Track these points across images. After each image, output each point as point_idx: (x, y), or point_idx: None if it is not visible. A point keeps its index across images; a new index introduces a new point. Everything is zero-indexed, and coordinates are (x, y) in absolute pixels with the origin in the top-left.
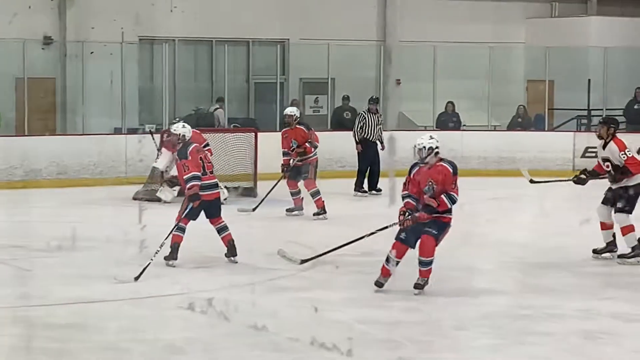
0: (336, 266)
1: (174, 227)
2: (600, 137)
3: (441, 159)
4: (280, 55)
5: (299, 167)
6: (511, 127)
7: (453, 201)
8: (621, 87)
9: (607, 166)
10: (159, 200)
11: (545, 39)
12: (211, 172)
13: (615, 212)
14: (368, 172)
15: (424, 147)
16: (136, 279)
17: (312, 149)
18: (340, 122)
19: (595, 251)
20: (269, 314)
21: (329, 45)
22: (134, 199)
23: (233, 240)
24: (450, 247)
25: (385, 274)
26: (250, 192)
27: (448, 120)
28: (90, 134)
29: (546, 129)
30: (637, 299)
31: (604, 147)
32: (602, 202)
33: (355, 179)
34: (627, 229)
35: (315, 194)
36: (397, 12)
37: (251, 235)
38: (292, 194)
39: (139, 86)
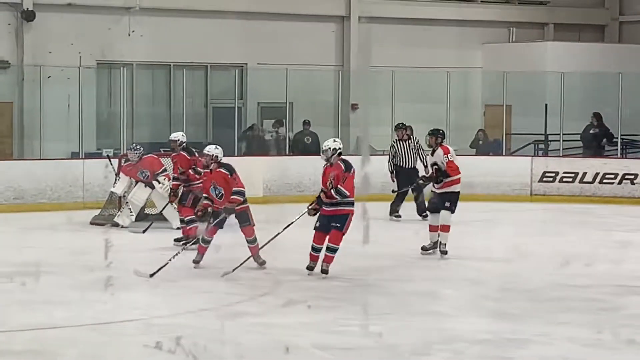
0: (308, 305)
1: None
2: (429, 146)
3: (341, 159)
4: (239, 79)
5: (185, 193)
6: (473, 149)
7: (340, 194)
8: (578, 112)
9: (436, 170)
10: (116, 225)
11: (503, 64)
12: None
13: (442, 210)
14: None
15: (330, 148)
16: (151, 275)
17: (196, 177)
18: (300, 147)
19: (423, 248)
20: (227, 341)
21: (287, 70)
22: (92, 223)
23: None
24: (409, 271)
25: (313, 259)
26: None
27: None
28: (48, 158)
29: (504, 153)
30: (591, 323)
31: (432, 153)
32: (430, 210)
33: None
34: (446, 228)
35: (190, 222)
36: (355, 37)
37: (205, 259)
38: (182, 222)
39: (96, 110)
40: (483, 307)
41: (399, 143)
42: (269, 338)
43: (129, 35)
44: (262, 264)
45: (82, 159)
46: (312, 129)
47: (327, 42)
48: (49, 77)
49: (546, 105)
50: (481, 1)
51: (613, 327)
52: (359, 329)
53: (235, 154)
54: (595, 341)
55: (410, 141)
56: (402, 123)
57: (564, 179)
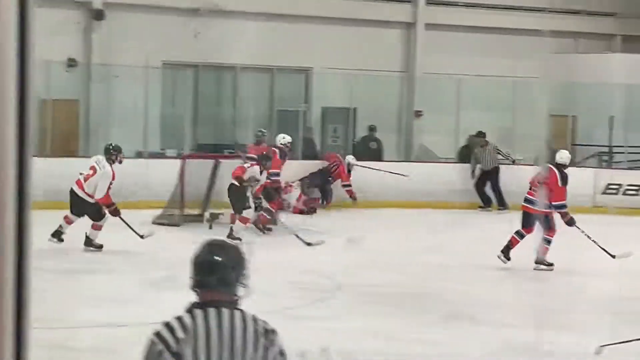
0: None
1: None
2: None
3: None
4: (304, 83)
5: None
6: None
7: None
8: None
9: None
10: (177, 225)
11: (569, 75)
12: None
13: None
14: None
15: None
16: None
17: None
18: (365, 152)
19: None
20: (288, 343)
21: (352, 75)
22: (154, 223)
23: None
24: (470, 280)
25: None
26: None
27: (470, 154)
28: None
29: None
30: None
31: None
32: None
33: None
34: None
35: None
36: (422, 44)
37: (269, 264)
38: None
39: (161, 111)
40: (546, 318)
41: (479, 149)
42: (333, 343)
43: (195, 36)
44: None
45: (145, 158)
46: (377, 134)
47: (392, 48)
48: (116, 76)
49: (612, 116)
50: (549, 11)
51: None
52: (419, 336)
53: (300, 158)
54: None
55: (487, 146)
56: (481, 131)
57: (628, 192)
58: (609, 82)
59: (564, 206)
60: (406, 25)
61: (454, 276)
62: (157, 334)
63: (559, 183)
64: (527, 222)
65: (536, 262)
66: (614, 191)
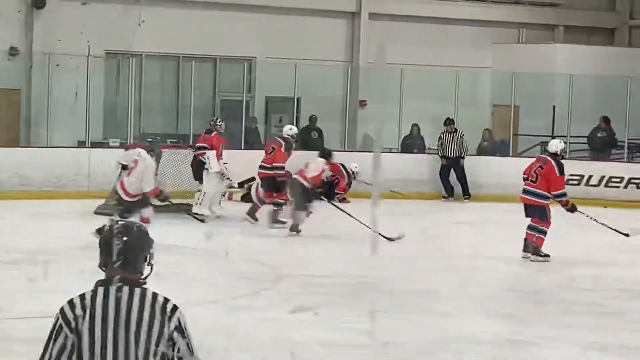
0: (315, 313)
1: None
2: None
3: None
4: (247, 72)
5: None
6: (479, 151)
7: None
8: (586, 114)
9: None
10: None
11: (512, 65)
12: None
13: None
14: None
15: None
16: None
17: None
18: (306, 142)
19: None
20: (232, 334)
21: (296, 65)
22: (96, 213)
23: None
24: (412, 270)
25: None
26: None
27: (413, 143)
28: (54, 146)
29: (510, 154)
30: (595, 327)
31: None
32: None
33: None
34: None
35: None
36: (366, 34)
37: (215, 253)
38: None
39: (104, 100)
40: (486, 308)
41: (446, 135)
42: (272, 333)
43: (139, 25)
44: None
45: (88, 147)
46: (320, 124)
47: (336, 37)
48: (57, 65)
49: (554, 107)
50: (492, 1)
51: (617, 331)
52: (360, 326)
53: (242, 147)
54: (599, 345)
55: (454, 133)
56: (450, 118)
57: (570, 182)
58: (552, 72)
59: (564, 195)
60: (350, 15)
61: (395, 266)
62: (60, 311)
63: (557, 172)
64: (530, 213)
65: (532, 254)
66: None
